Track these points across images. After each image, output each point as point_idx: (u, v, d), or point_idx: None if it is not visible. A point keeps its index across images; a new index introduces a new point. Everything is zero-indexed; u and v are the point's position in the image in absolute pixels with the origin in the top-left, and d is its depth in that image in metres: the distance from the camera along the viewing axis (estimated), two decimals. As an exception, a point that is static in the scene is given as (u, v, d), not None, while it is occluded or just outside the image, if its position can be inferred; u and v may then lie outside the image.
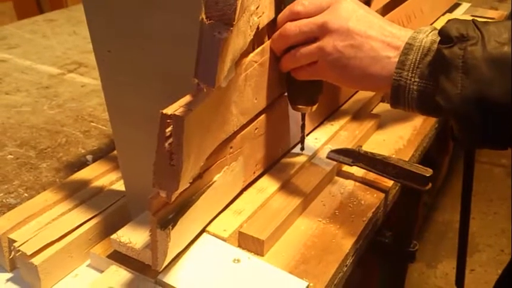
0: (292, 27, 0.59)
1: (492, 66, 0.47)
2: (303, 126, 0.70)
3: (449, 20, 0.51)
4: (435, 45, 0.51)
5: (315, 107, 0.67)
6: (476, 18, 1.38)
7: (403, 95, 0.53)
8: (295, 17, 0.59)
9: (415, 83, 0.52)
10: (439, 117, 0.51)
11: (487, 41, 0.47)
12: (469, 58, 0.47)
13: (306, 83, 0.64)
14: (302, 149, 0.73)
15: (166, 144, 0.46)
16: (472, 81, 0.47)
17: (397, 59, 0.53)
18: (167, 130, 0.46)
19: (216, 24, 0.43)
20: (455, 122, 0.50)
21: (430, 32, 0.53)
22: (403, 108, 0.54)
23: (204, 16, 0.43)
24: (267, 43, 0.62)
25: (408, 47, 0.52)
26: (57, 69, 1.19)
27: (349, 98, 0.90)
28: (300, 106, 0.67)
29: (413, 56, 0.52)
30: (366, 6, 0.58)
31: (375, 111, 0.91)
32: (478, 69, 0.47)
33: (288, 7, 0.60)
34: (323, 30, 0.57)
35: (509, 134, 0.49)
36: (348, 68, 0.56)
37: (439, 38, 0.51)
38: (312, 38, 0.58)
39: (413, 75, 0.52)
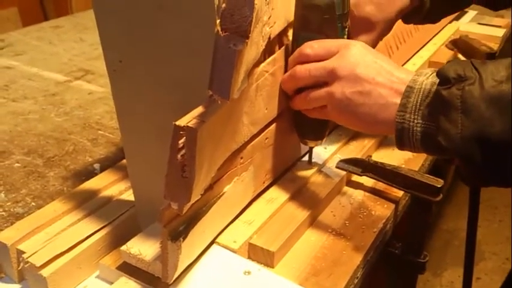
0: (302, 70, 0.59)
1: (490, 104, 0.47)
2: (310, 149, 0.71)
3: (448, 62, 0.51)
4: (435, 87, 0.51)
5: (323, 141, 0.69)
6: (482, 25, 1.37)
7: (407, 137, 0.53)
8: (305, 59, 0.60)
9: (418, 125, 0.52)
10: (445, 157, 0.51)
11: (485, 80, 0.48)
12: (467, 98, 0.48)
13: (314, 121, 0.64)
14: (310, 162, 0.73)
15: (179, 156, 0.46)
16: (471, 120, 0.47)
17: None
18: (180, 142, 0.45)
19: (231, 37, 0.43)
20: (459, 161, 0.51)
21: (430, 75, 0.53)
22: (409, 150, 0.54)
23: (219, 28, 0.43)
24: (278, 53, 0.62)
25: (409, 89, 0.53)
26: (63, 76, 1.19)
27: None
28: (307, 140, 0.69)
29: (414, 98, 0.52)
30: (374, 50, 0.59)
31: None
32: (476, 108, 0.47)
33: (298, 49, 0.61)
34: (332, 76, 0.57)
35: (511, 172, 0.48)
36: (357, 115, 0.56)
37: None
38: (321, 82, 0.58)
39: (415, 117, 0.52)
